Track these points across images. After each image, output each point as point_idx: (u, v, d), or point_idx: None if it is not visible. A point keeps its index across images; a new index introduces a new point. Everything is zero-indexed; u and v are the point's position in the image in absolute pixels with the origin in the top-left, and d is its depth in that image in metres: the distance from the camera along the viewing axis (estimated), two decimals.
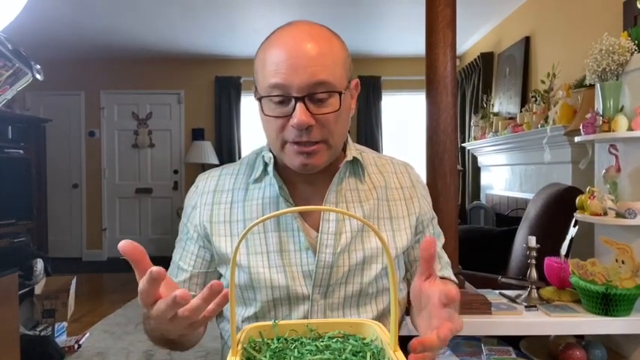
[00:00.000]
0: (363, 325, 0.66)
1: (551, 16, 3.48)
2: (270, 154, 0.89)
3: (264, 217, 0.55)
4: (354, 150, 0.93)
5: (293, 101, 0.78)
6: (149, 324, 0.75)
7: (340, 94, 0.80)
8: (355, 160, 0.91)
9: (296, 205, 0.88)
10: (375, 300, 0.90)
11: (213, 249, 0.90)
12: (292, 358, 0.57)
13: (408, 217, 0.94)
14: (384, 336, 0.61)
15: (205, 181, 0.95)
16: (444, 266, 1.01)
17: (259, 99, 0.82)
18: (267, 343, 0.61)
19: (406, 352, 0.58)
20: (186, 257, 0.92)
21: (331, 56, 0.80)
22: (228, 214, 0.89)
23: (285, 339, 0.63)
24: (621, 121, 1.67)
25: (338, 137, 0.84)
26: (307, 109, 0.78)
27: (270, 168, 0.88)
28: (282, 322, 0.65)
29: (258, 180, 0.91)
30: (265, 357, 0.57)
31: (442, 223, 1.08)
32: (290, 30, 0.82)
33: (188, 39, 5.10)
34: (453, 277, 1.03)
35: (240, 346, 0.58)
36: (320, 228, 0.86)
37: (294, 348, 0.60)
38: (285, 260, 0.86)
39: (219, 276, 0.94)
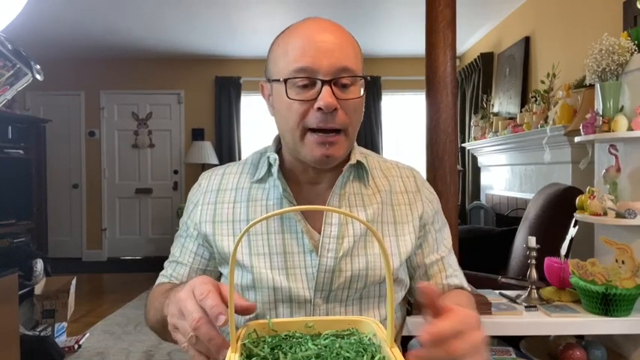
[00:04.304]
0: (361, 323, 0.66)
1: (551, 16, 3.48)
2: (276, 155, 0.87)
3: (264, 216, 0.55)
4: (359, 154, 0.91)
5: (319, 84, 0.78)
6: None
7: (365, 79, 0.83)
8: (359, 164, 0.89)
9: None
10: (377, 306, 0.89)
11: (215, 248, 0.89)
12: (289, 354, 0.57)
13: (412, 222, 0.91)
14: (381, 333, 0.61)
15: (209, 180, 0.94)
16: (453, 274, 0.96)
17: (284, 80, 0.79)
18: (264, 340, 0.61)
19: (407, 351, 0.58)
20: (185, 254, 0.93)
21: (352, 47, 0.83)
22: (231, 214, 0.88)
23: (284, 337, 0.63)
24: (621, 121, 1.67)
25: (355, 128, 0.85)
26: (333, 93, 0.78)
27: (275, 169, 0.86)
28: (279, 320, 0.65)
29: (261, 180, 0.89)
30: (263, 351, 0.58)
31: None
32: (309, 22, 0.83)
33: (188, 39, 5.10)
34: (466, 284, 0.98)
35: (239, 343, 0.58)
36: (322, 231, 0.85)
37: (291, 348, 0.60)
38: (289, 262, 0.84)
39: (219, 275, 0.93)
